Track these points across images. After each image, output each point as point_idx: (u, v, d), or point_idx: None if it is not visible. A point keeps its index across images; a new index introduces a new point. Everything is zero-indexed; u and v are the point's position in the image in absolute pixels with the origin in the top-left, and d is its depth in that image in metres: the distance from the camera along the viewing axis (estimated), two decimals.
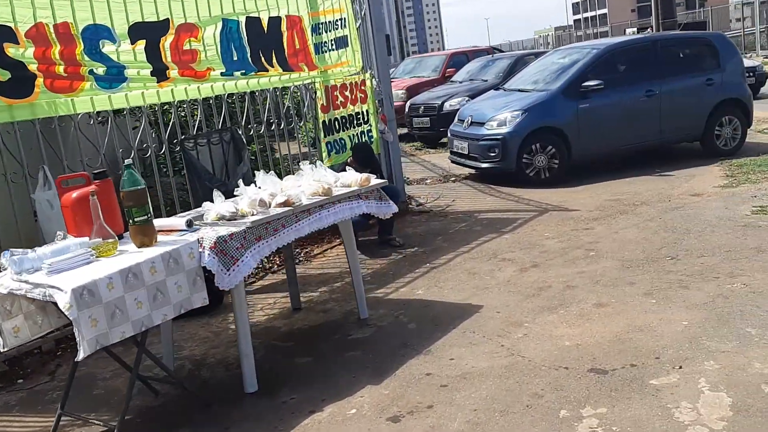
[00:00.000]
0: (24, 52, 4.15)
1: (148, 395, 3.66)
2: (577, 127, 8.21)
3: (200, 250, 3.26)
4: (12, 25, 4.09)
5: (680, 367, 3.29)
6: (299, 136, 6.86)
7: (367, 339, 4.08)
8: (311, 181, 4.03)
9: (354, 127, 6.73)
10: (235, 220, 3.54)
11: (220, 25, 5.37)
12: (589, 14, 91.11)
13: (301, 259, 5.96)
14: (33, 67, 4.19)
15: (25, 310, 3.18)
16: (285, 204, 3.69)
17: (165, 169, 5.90)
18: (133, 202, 3.21)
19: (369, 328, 4.24)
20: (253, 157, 6.31)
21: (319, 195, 3.91)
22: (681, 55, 9.02)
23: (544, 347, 3.67)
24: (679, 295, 4.21)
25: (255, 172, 6.21)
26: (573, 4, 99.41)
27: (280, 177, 6.26)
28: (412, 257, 5.70)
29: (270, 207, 3.70)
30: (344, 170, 5.69)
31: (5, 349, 3.17)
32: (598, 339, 3.70)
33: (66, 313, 2.72)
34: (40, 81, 4.23)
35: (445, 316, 4.26)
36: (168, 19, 4.99)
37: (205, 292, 3.27)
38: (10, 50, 4.08)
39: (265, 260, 5.72)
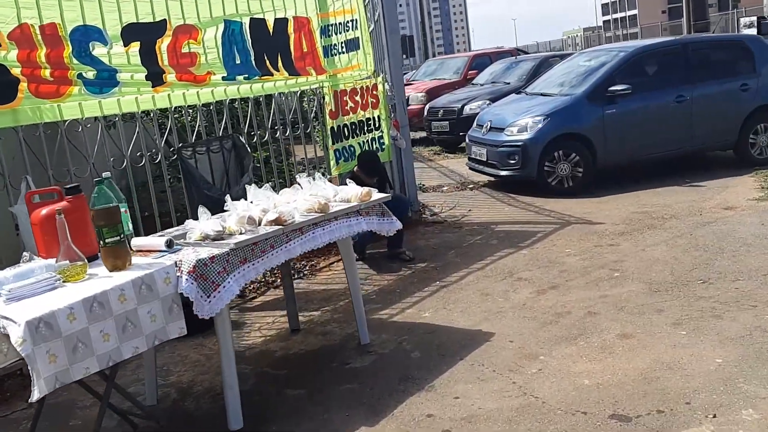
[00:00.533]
0: (6, 55, 3.90)
1: (128, 429, 3.37)
2: (602, 134, 7.80)
3: (178, 274, 2.96)
4: None
5: (714, 416, 2.90)
6: (317, 139, 6.52)
7: (366, 369, 3.75)
8: (307, 196, 3.71)
9: (364, 134, 6.41)
10: (222, 239, 3.23)
11: (222, 26, 5.09)
12: (618, 15, 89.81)
13: (305, 273, 5.64)
14: (16, 71, 3.94)
15: None
16: (276, 222, 3.37)
17: (171, 180, 5.65)
18: (105, 221, 2.91)
19: (369, 356, 3.90)
20: (258, 165, 6.03)
21: (315, 211, 3.59)
22: (714, 59, 8.54)
23: (560, 386, 3.30)
24: (712, 326, 3.81)
25: (259, 181, 6.00)
26: (602, 5, 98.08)
27: (290, 185, 6.02)
28: (422, 273, 5.36)
29: (260, 225, 3.39)
30: (352, 178, 5.43)
31: None
32: (622, 378, 3.32)
33: (18, 348, 2.43)
34: (23, 86, 3.98)
35: (453, 345, 3.91)
36: (165, 19, 4.72)
37: (183, 322, 2.96)
38: None
39: (268, 274, 5.43)
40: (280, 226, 3.35)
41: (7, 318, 2.51)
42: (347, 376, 3.69)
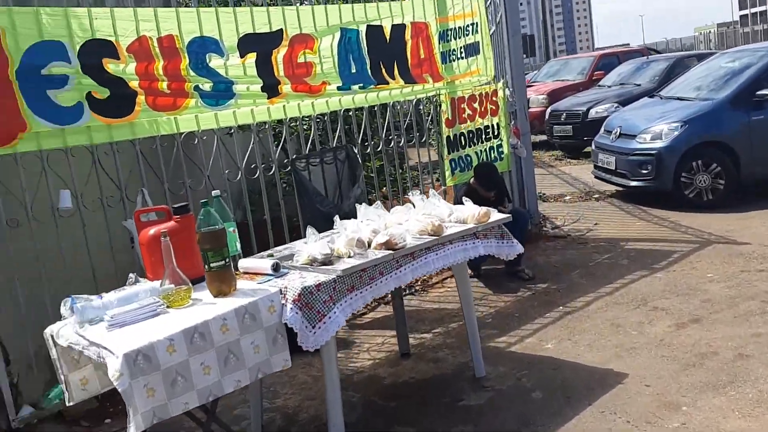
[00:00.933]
0: (125, 68, 3.91)
1: None
2: (748, 143, 7.03)
3: (282, 302, 2.79)
4: (113, 39, 3.86)
5: None
6: (431, 143, 6.21)
7: (482, 408, 3.42)
8: (420, 216, 3.44)
9: (482, 143, 6.08)
10: (330, 263, 3.03)
11: (338, 35, 4.94)
12: (758, 9, 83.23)
13: (417, 289, 5.39)
14: (134, 83, 3.94)
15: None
16: (386, 245, 3.13)
17: (286, 187, 5.58)
18: (210, 244, 2.79)
19: (484, 393, 3.58)
20: (372, 174, 5.86)
21: (428, 234, 3.32)
22: None
23: None
24: None
25: (371, 190, 5.83)
26: None
27: (403, 194, 5.80)
28: (543, 296, 4.96)
29: (369, 247, 3.17)
30: (467, 192, 5.13)
31: (71, 403, 2.88)
32: None
33: (115, 383, 2.32)
34: (141, 98, 3.97)
35: (579, 385, 3.51)
36: (281, 29, 4.62)
37: (288, 353, 2.78)
38: (110, 66, 3.85)
39: None
40: (391, 251, 3.10)
41: (105, 348, 2.42)
42: (460, 414, 3.39)
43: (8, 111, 3.48)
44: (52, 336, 2.75)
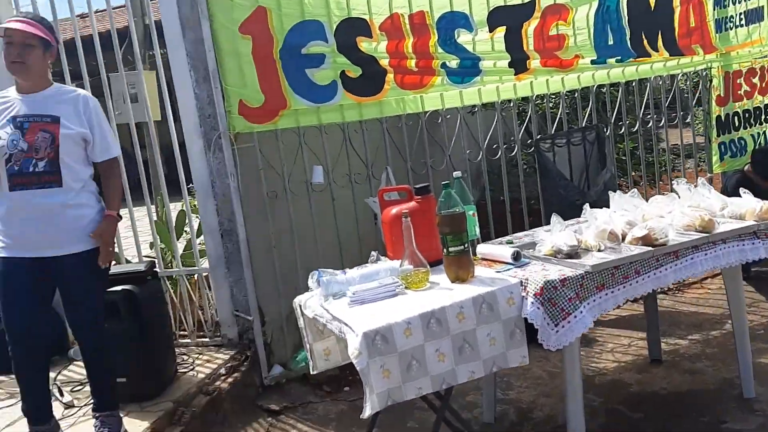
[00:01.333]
0: (377, 46, 3.98)
1: None
2: None
3: (523, 294, 2.60)
4: (367, 17, 3.95)
5: None
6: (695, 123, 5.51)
7: None
8: (685, 209, 3.01)
9: (761, 124, 5.27)
10: (575, 257, 2.77)
11: (595, 3, 4.58)
12: None
13: (671, 287, 4.84)
14: (384, 62, 4.00)
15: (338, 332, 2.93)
16: (644, 240, 2.78)
17: (526, 169, 5.37)
18: (450, 228, 2.68)
19: (754, 417, 3.06)
20: (624, 158, 5.39)
21: (695, 229, 2.89)
22: None
23: None
24: None
25: (623, 175, 5.35)
26: None
27: (659, 179, 5.25)
28: None
29: (623, 241, 2.84)
30: (740, 181, 4.47)
31: (314, 372, 2.99)
32: None
33: (354, 360, 2.33)
34: (390, 77, 4.02)
35: None
36: (534, 0, 4.37)
37: (525, 350, 2.59)
38: (363, 45, 3.94)
39: None
40: (649, 247, 2.74)
41: (346, 324, 2.45)
42: None
43: (272, 89, 3.71)
44: (300, 306, 2.87)
